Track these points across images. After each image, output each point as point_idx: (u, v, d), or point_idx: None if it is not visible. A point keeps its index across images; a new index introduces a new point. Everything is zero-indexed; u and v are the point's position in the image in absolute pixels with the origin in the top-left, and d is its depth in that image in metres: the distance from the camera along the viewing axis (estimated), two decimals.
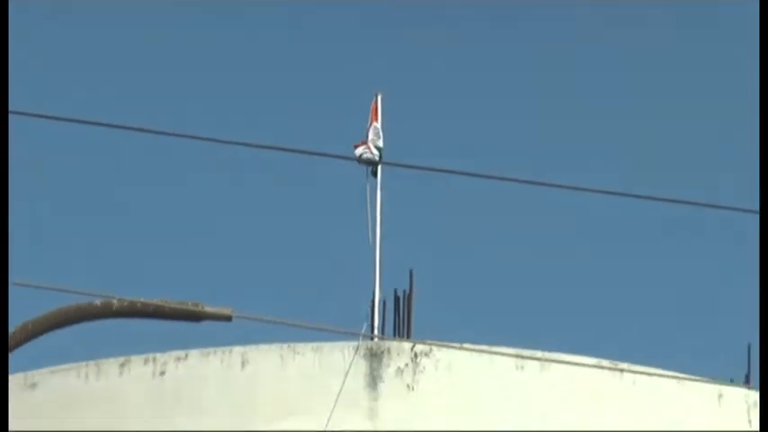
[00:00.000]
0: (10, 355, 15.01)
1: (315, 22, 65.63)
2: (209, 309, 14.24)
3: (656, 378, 21.14)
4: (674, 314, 62.86)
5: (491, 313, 59.34)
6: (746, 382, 22.12)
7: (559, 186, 16.84)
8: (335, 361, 20.87)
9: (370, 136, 22.75)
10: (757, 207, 17.79)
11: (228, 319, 14.43)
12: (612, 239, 60.13)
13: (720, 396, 21.39)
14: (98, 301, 14.54)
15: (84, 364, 21.32)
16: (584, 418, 20.82)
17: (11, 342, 14.41)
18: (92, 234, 66.26)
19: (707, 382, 21.58)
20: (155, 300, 14.51)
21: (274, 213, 68.33)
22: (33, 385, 21.25)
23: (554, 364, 21.00)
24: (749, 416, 21.42)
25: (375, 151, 22.67)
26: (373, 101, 23.32)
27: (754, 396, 21.39)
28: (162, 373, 20.92)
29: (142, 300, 14.56)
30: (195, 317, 14.28)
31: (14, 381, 20.50)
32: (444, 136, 62.38)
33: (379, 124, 22.95)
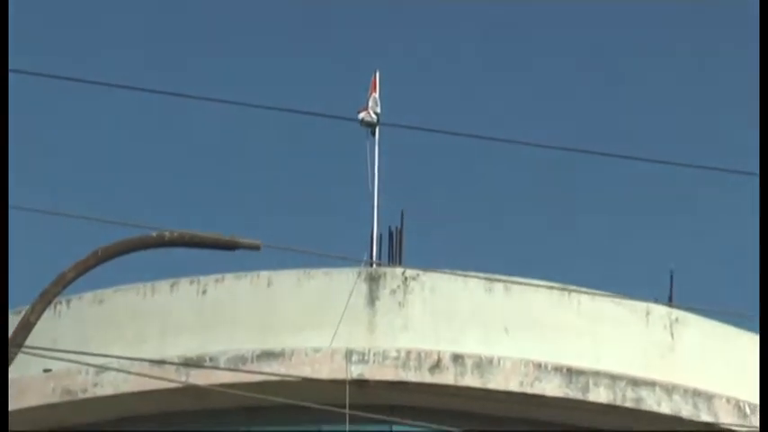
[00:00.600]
0: (84, 277, 16.73)
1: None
2: (241, 240, 16.03)
3: (596, 298, 22.14)
4: (611, 241, 64.63)
5: (467, 246, 61.27)
6: (669, 301, 23.30)
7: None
8: (341, 283, 21.77)
9: (370, 104, 24.08)
10: None
11: (258, 248, 16.22)
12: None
13: (648, 313, 22.24)
14: (154, 233, 16.33)
15: (141, 284, 22.18)
16: (539, 329, 21.68)
17: (85, 265, 16.04)
18: (147, 180, 67.38)
19: (637, 300, 22.42)
20: (198, 232, 16.36)
21: (291, 166, 69.53)
22: (101, 301, 22.06)
23: (515, 286, 21.85)
24: (671, 329, 22.15)
25: (373, 116, 23.96)
26: (373, 77, 24.66)
27: (676, 313, 22.45)
28: (204, 292, 21.83)
29: (189, 232, 16.42)
30: (231, 246, 16.04)
31: (86, 297, 21.91)
32: (430, 106, 63.98)
33: (377, 95, 24.25)
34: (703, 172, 18.72)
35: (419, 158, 55.60)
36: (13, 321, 16.78)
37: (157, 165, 69.52)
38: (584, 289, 22.43)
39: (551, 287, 22.18)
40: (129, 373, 20.39)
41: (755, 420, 21.18)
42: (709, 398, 21.32)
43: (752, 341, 22.57)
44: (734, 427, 21.28)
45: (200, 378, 20.52)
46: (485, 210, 66.56)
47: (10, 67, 15.97)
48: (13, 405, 20.11)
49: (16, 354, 15.62)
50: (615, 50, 69.55)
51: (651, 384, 21.27)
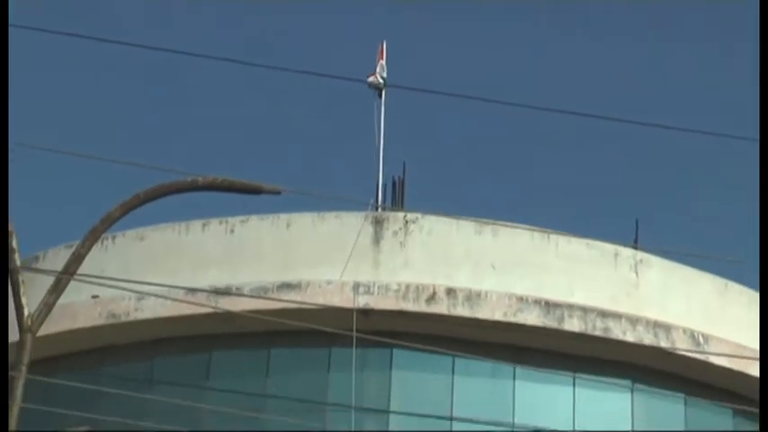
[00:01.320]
0: (126, 217, 16.90)
1: None
2: (265, 186, 16.22)
3: (572, 240, 22.26)
4: (587, 192, 64.74)
5: (461, 193, 61.39)
6: (635, 242, 23.43)
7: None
8: (350, 225, 21.89)
9: (377, 70, 24.12)
10: None
11: (278, 193, 16.36)
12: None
13: (616, 255, 22.31)
14: (188, 179, 16.54)
15: (176, 223, 22.34)
16: (521, 267, 21.74)
17: (129, 206, 16.19)
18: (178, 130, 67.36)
19: (607, 243, 22.43)
20: (227, 178, 16.56)
21: (307, 122, 69.46)
22: (142, 238, 22.23)
23: (502, 229, 22.05)
24: (636, 269, 22.22)
25: (380, 80, 24.07)
26: (380, 46, 24.67)
27: (641, 255, 22.56)
28: (231, 231, 21.99)
29: (219, 177, 16.61)
30: (255, 191, 16.18)
31: (129, 235, 22.08)
32: (432, 71, 63.94)
33: (383, 62, 24.29)
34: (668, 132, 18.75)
35: (421, 117, 55.84)
36: (66, 254, 17.07)
37: (189, 121, 69.65)
38: (561, 232, 22.56)
39: (533, 230, 22.28)
40: (166, 299, 20.41)
41: (707, 347, 21.40)
42: (667, 328, 21.43)
43: (705, 279, 22.95)
44: (688, 353, 21.28)
45: (227, 305, 20.53)
46: (478, 162, 66.86)
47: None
48: (65, 326, 20.50)
49: (68, 282, 15.83)
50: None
51: (618, 316, 21.36)
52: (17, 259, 15.51)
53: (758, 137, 17.96)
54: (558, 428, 20.61)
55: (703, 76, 69.46)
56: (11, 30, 16.28)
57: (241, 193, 16.38)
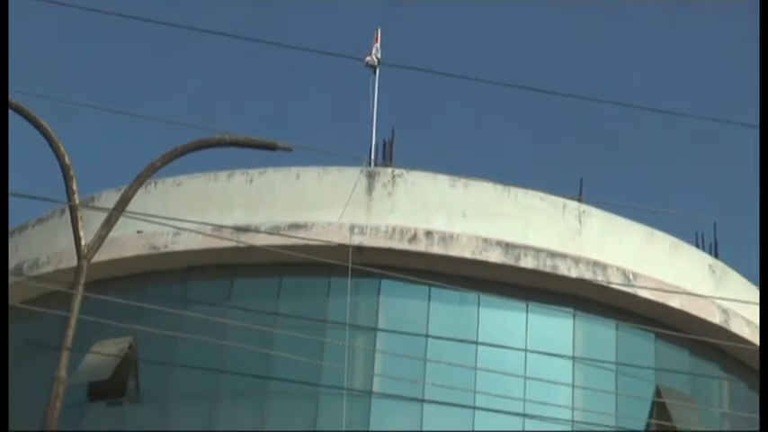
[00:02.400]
0: (167, 167, 17.01)
1: None
2: (279, 143, 16.40)
3: (528, 193, 22.42)
4: (541, 159, 64.89)
5: (438, 153, 61.58)
6: (579, 197, 23.43)
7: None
8: (348, 178, 21.97)
9: (373, 52, 23.96)
10: None
11: (290, 149, 16.55)
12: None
13: (564, 206, 22.44)
14: (217, 136, 16.72)
15: (207, 173, 22.38)
16: (487, 214, 21.76)
17: (168, 157, 16.30)
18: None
19: (556, 196, 22.55)
20: (249, 136, 16.71)
21: (314, 95, 69.32)
22: (179, 184, 22.23)
23: (471, 182, 22.21)
24: (580, 218, 22.32)
25: (375, 60, 23.92)
26: (375, 32, 24.43)
27: (583, 207, 22.72)
28: (251, 180, 22.07)
29: (242, 135, 16.77)
30: (271, 147, 16.38)
31: (167, 181, 22.18)
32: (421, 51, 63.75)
33: (378, 45, 24.10)
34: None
35: (409, 90, 56.02)
36: (116, 196, 17.28)
37: (213, 93, 69.65)
38: (519, 186, 22.62)
39: (496, 184, 22.49)
40: (197, 234, 20.71)
41: (635, 283, 21.55)
42: (603, 267, 21.58)
43: (635, 227, 23.07)
44: (620, 287, 21.51)
45: (246, 240, 20.68)
46: (454, 128, 67.10)
47: None
48: (114, 255, 20.65)
49: (118, 218, 16.07)
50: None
51: (563, 256, 21.50)
52: (76, 199, 15.70)
53: (758, 137, 17.28)
54: (513, 346, 20.73)
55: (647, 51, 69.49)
56: None
57: (259, 149, 16.62)
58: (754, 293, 24.30)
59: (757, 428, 21.84)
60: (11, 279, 22.41)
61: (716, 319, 22.37)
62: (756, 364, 23.28)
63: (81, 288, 15.16)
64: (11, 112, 15.54)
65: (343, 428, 19.80)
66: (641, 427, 21.48)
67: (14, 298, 22.40)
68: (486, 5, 65.06)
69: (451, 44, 67.39)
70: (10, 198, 15.95)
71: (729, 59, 68.78)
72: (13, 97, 15.64)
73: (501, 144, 68.65)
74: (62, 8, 17.28)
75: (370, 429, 20.14)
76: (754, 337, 22.97)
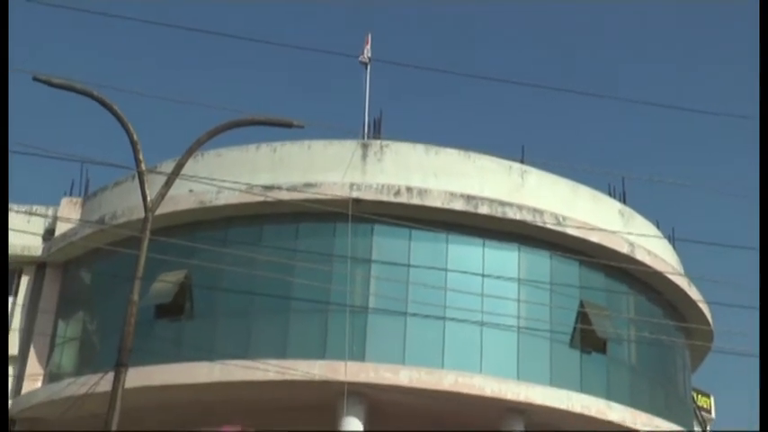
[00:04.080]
0: (210, 141, 16.90)
1: None
2: (294, 121, 16.36)
3: (483, 157, 22.34)
4: (490, 131, 64.73)
5: (416, 130, 61.54)
6: (522, 159, 23.25)
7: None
8: (348, 148, 21.93)
9: (365, 52, 23.82)
10: None
11: (302, 126, 16.41)
12: None
13: (510, 167, 22.47)
14: (247, 117, 16.65)
15: (240, 146, 22.32)
16: (452, 174, 21.72)
17: (212, 134, 16.25)
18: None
19: (504, 159, 22.57)
20: (272, 116, 16.66)
21: (317, 86, 69.12)
22: (219, 155, 22.13)
23: (442, 150, 22.17)
24: (522, 176, 22.32)
25: (366, 59, 23.81)
26: (366, 36, 24.33)
27: (524, 167, 22.69)
28: (274, 151, 22.01)
29: (267, 115, 16.72)
30: (287, 125, 16.33)
31: (211, 153, 21.97)
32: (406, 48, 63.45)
33: (369, 47, 23.94)
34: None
35: (394, 81, 55.99)
36: (172, 164, 17.29)
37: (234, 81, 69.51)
38: (476, 151, 22.56)
39: (459, 150, 22.45)
40: (234, 191, 20.82)
41: (564, 224, 21.70)
42: (540, 212, 21.59)
43: (563, 182, 23.11)
44: (553, 227, 21.54)
45: (272, 195, 20.77)
46: (430, 111, 67.10)
47: None
48: (172, 208, 20.70)
49: (174, 180, 16.09)
50: None
51: (510, 204, 21.49)
52: (143, 166, 15.77)
53: (758, 138, 15.58)
54: (473, 272, 20.91)
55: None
56: None
57: (279, 126, 16.53)
58: (653, 230, 24.54)
59: (658, 334, 22.19)
60: (96, 228, 22.61)
61: (624, 249, 22.53)
62: (655, 284, 23.60)
63: (147, 233, 15.30)
64: (89, 100, 15.57)
65: (346, 336, 19.89)
66: (569, 330, 21.61)
67: (100, 242, 22.65)
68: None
69: (424, 44, 67.35)
70: (96, 166, 15.97)
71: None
72: (88, 88, 15.70)
73: (463, 121, 68.78)
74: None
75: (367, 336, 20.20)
76: (653, 263, 23.20)
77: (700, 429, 30.84)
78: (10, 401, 22.70)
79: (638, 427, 21.51)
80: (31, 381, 22.94)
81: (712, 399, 37.24)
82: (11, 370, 23.15)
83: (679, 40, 71.36)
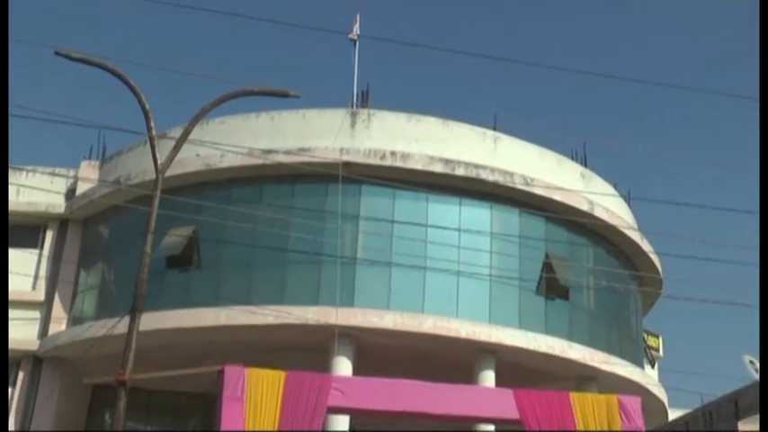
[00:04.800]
0: (216, 109, 16.73)
1: None
2: (291, 92, 16.16)
3: (460, 125, 22.19)
4: (467, 103, 64.36)
5: (400, 100, 61.24)
6: (494, 127, 22.84)
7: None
8: (339, 117, 21.73)
9: (354, 30, 23.51)
10: None
11: (298, 96, 16.15)
12: None
13: (484, 134, 22.23)
14: (248, 88, 16.33)
15: (241, 114, 21.98)
16: (433, 141, 21.55)
17: (216, 102, 15.98)
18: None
19: (479, 126, 22.37)
20: (269, 87, 16.43)
21: (310, 61, 68.54)
22: (223, 122, 21.86)
23: (423, 118, 22.03)
24: (495, 143, 22.12)
25: (356, 36, 23.48)
26: (355, 17, 24.02)
27: (497, 134, 22.40)
28: (272, 119, 21.83)
29: (265, 87, 16.49)
30: (286, 95, 16.09)
31: (215, 120, 21.67)
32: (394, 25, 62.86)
33: (357, 26, 23.63)
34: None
35: (381, 57, 55.51)
36: (180, 130, 17.00)
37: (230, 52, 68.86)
38: (454, 120, 22.40)
39: (438, 118, 22.30)
40: (237, 155, 20.68)
41: (532, 184, 21.67)
42: (511, 174, 21.49)
43: (532, 147, 23.03)
44: (522, 187, 21.50)
45: (270, 159, 20.64)
46: (412, 82, 66.75)
47: None
48: (180, 170, 20.61)
49: (182, 144, 15.91)
50: None
51: (484, 167, 21.40)
52: (154, 131, 15.60)
53: (758, 139, 14.46)
54: (451, 227, 20.89)
55: None
56: None
57: (277, 96, 16.26)
58: (611, 190, 24.56)
59: (614, 282, 22.27)
60: (113, 187, 22.50)
61: (585, 207, 22.54)
62: (612, 237, 23.68)
63: (158, 192, 15.12)
64: (104, 72, 15.35)
65: (337, 284, 19.90)
66: (535, 279, 21.71)
67: (116, 200, 22.57)
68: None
69: (408, 22, 66.83)
70: (112, 133, 15.87)
71: None
72: (104, 61, 15.48)
73: (442, 92, 68.52)
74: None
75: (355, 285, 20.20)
76: (610, 219, 23.24)
77: (649, 366, 31.17)
78: (38, 343, 22.74)
79: (595, 364, 21.69)
80: (56, 324, 22.98)
81: (660, 339, 37.61)
82: (38, 314, 23.18)
83: (642, 12, 70.99)
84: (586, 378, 21.69)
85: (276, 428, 10.67)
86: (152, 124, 15.52)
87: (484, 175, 21.34)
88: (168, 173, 15.68)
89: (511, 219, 21.77)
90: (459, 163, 21.25)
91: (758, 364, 16.83)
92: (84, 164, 24.55)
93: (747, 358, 17.10)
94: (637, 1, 64.90)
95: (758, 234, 13.34)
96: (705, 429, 14.97)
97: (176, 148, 15.64)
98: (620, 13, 68.81)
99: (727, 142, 70.98)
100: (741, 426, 12.60)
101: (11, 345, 21.87)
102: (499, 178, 21.37)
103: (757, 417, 12.94)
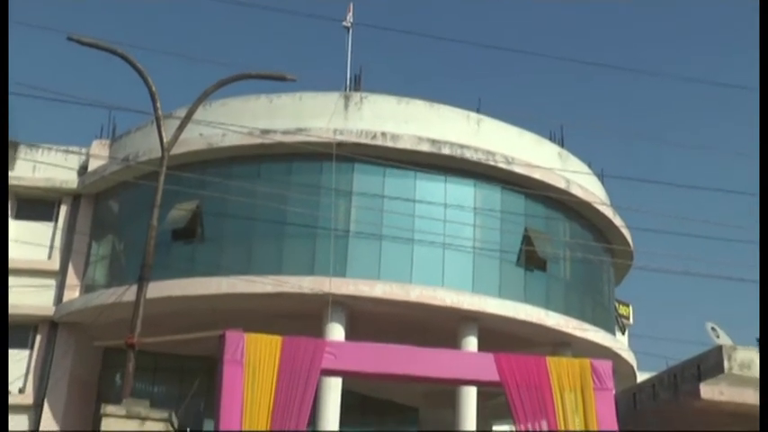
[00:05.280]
0: (218, 92, 16.58)
1: None
2: (288, 75, 16.00)
3: (445, 107, 22.11)
4: (452, 87, 63.81)
5: (391, 84, 60.81)
6: (478, 110, 22.70)
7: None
8: (333, 99, 21.59)
9: (348, 18, 23.35)
10: None
11: (294, 80, 15.93)
12: None
13: (468, 116, 22.10)
14: (248, 72, 16.25)
15: (242, 96, 21.81)
16: (420, 122, 21.50)
17: (218, 85, 15.88)
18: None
19: (463, 109, 22.25)
20: (267, 71, 16.29)
21: (306, 47, 67.93)
22: (224, 104, 21.60)
23: (412, 101, 21.94)
24: (478, 124, 22.03)
25: (349, 23, 23.33)
26: (348, 6, 23.85)
27: (480, 116, 22.26)
28: (271, 101, 21.65)
29: (266, 71, 16.35)
30: (283, 78, 15.90)
31: (217, 102, 21.40)
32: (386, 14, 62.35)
33: (351, 15, 23.46)
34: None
35: (373, 43, 55.14)
36: (183, 111, 16.86)
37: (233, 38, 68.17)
38: (440, 103, 22.27)
39: (425, 101, 22.20)
40: (237, 134, 20.56)
41: (512, 161, 21.60)
42: (492, 153, 21.49)
43: (512, 129, 22.96)
44: (502, 165, 21.42)
45: (269, 138, 20.57)
46: (400, 68, 66.39)
47: None
48: (184, 149, 20.48)
49: (186, 124, 15.79)
50: None
51: (468, 147, 21.33)
52: (160, 111, 15.50)
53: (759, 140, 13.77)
54: (437, 202, 20.88)
55: None
56: None
57: (275, 80, 16.10)
58: (585, 169, 24.52)
59: (588, 254, 22.28)
60: (122, 165, 22.36)
61: (561, 184, 22.53)
62: (586, 213, 23.67)
63: (164, 169, 15.05)
64: (113, 56, 15.24)
65: (331, 256, 19.88)
66: (516, 251, 21.72)
67: (125, 176, 22.48)
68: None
69: (399, 10, 66.36)
70: (121, 113, 15.77)
71: None
72: (112, 46, 15.36)
73: (430, 76, 68.21)
74: None
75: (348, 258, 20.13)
76: (585, 196, 23.22)
77: (620, 332, 31.31)
78: (53, 308, 22.75)
79: (569, 330, 21.78)
80: (70, 291, 22.97)
81: (631, 308, 37.77)
82: (53, 282, 23.20)
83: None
84: (561, 343, 21.76)
85: (273, 389, 10.67)
86: (158, 105, 15.41)
87: (468, 154, 21.27)
88: (173, 151, 15.60)
89: (493, 195, 21.72)
90: (444, 143, 21.17)
91: (720, 331, 16.98)
92: (95, 142, 24.45)
93: (710, 325, 17.26)
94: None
95: (758, 228, 13.00)
96: (670, 390, 15.07)
97: (181, 128, 15.57)
98: (602, 3, 68.45)
99: (692, 124, 71.05)
100: (702, 387, 12.68)
101: (29, 310, 22.08)
102: (482, 157, 21.31)
103: (718, 377, 13.05)
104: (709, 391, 12.39)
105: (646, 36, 70.81)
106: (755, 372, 12.99)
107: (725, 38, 71.86)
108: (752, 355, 13.27)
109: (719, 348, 13.45)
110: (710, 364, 13.44)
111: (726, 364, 12.85)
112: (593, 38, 71.82)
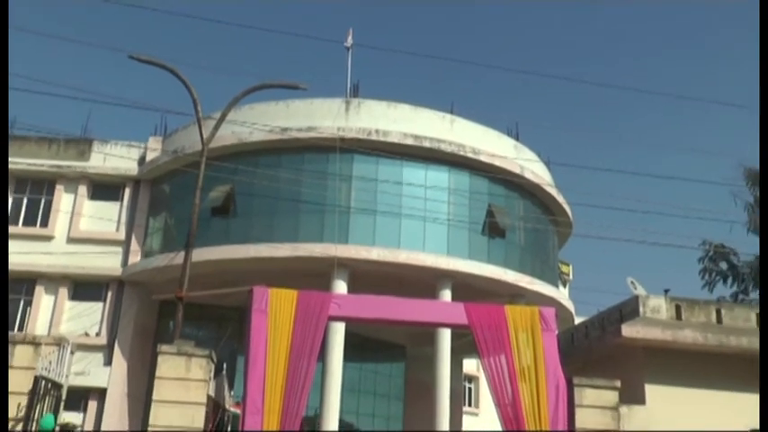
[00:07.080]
0: (246, 98, 16.29)
1: None
2: (301, 84, 15.89)
3: (429, 111, 21.59)
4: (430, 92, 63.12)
5: (384, 90, 60.22)
6: (452, 111, 22.15)
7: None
8: (337, 104, 21.17)
9: (348, 40, 22.82)
10: None
11: (305, 88, 15.98)
12: None
13: (443, 116, 21.66)
14: (268, 81, 16.09)
15: (264, 102, 21.34)
16: (402, 121, 21.05)
17: (245, 93, 15.75)
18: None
19: (440, 111, 21.73)
20: (283, 81, 16.09)
21: (311, 64, 67.21)
22: (251, 108, 21.19)
23: (399, 105, 21.41)
24: (451, 123, 21.52)
25: (349, 45, 22.78)
26: (348, 31, 23.00)
27: (453, 117, 21.79)
28: (287, 106, 21.21)
29: (280, 81, 16.18)
30: (296, 87, 15.89)
31: (245, 106, 20.78)
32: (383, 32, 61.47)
33: (351, 37, 22.81)
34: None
35: (368, 61, 54.49)
36: (218, 114, 16.62)
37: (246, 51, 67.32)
38: (423, 106, 21.94)
39: (410, 105, 21.82)
40: (260, 131, 20.28)
41: (479, 152, 21.29)
42: (463, 146, 21.18)
43: (479, 127, 22.57)
44: (471, 155, 21.21)
45: (286, 135, 20.32)
46: (392, 79, 65.69)
47: None
48: (220, 143, 20.05)
49: (221, 124, 15.69)
50: None
51: (444, 141, 21.09)
52: (200, 113, 15.40)
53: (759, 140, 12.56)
54: (419, 185, 20.73)
55: None
56: None
57: (290, 88, 16.11)
58: (536, 158, 24.33)
59: (537, 224, 22.13)
60: (172, 156, 22.20)
61: (517, 170, 22.34)
62: (536, 193, 23.52)
63: (204, 159, 15.12)
64: (159, 69, 15.10)
65: (336, 227, 19.75)
66: (481, 223, 21.60)
67: (174, 165, 22.32)
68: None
69: (392, 33, 65.61)
70: (170, 115, 15.68)
71: None
72: (161, 61, 15.21)
73: (412, 86, 67.68)
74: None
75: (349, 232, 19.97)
76: (536, 179, 23.00)
77: (562, 286, 31.37)
78: (120, 270, 22.72)
79: (523, 285, 21.78)
80: (133, 256, 22.96)
81: (571, 266, 37.92)
82: (120, 249, 23.21)
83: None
84: (517, 295, 21.77)
85: (291, 332, 10.71)
86: (199, 108, 15.45)
87: (443, 146, 21.06)
88: (211, 145, 15.64)
89: (463, 179, 21.50)
90: (425, 138, 20.97)
91: (637, 285, 17.06)
92: (151, 138, 24.44)
93: (630, 280, 17.33)
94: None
95: (758, 228, 12.08)
96: (599, 330, 15.15)
97: (216, 127, 15.59)
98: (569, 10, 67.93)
99: (626, 119, 70.79)
100: (623, 327, 12.89)
101: (102, 271, 22.29)
102: (455, 149, 21.11)
103: (635, 320, 13.24)
104: (628, 330, 12.64)
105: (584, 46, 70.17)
106: (663, 315, 13.21)
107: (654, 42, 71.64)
108: (660, 302, 13.58)
109: (636, 297, 13.61)
110: (629, 309, 13.66)
111: (641, 309, 13.09)
112: (547, 49, 71.32)
